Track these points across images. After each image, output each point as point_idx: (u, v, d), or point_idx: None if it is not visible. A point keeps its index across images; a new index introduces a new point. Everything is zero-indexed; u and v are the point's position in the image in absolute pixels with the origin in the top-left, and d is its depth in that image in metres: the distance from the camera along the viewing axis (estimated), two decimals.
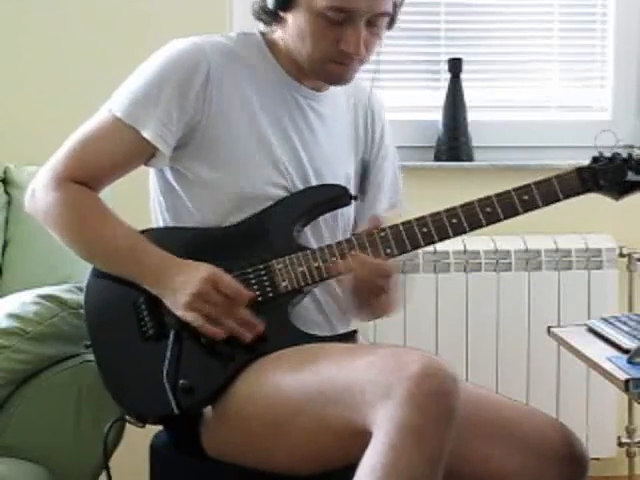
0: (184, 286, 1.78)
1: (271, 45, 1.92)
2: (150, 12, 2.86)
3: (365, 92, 2.03)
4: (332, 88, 1.96)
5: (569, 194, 1.85)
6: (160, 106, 1.83)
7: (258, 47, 1.92)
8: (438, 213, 1.84)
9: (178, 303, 1.79)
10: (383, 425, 1.54)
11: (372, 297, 1.84)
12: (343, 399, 1.62)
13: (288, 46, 1.89)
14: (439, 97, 3.01)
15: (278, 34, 1.91)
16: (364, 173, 2.00)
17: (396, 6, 1.89)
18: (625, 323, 1.94)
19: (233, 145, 1.86)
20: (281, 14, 1.87)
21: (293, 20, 1.85)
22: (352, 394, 1.61)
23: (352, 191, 1.95)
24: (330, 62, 1.85)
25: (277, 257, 1.83)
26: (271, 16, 1.89)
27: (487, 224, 1.84)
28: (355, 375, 1.62)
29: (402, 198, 2.08)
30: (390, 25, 1.91)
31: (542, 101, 3.13)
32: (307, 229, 1.90)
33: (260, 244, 1.85)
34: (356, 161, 2.00)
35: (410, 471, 1.52)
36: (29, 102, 2.85)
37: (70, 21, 2.85)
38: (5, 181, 2.42)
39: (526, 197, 1.84)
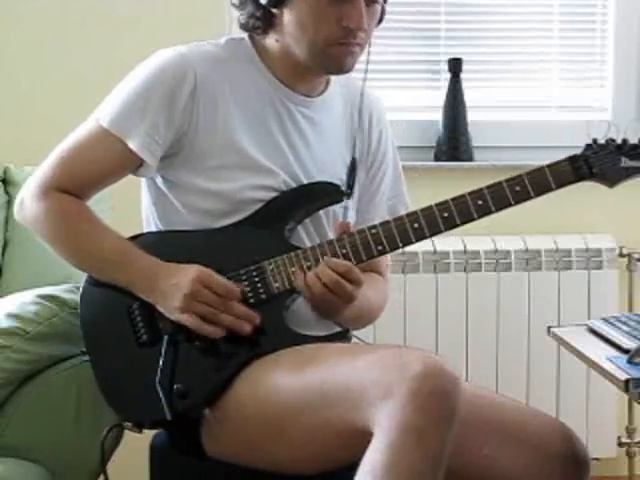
0: (175, 289, 1.78)
1: (261, 51, 1.91)
2: (151, 16, 2.86)
3: (363, 97, 2.01)
4: (327, 94, 1.95)
5: (562, 183, 1.82)
6: (147, 117, 1.83)
7: (247, 53, 1.91)
8: (429, 207, 1.83)
9: (171, 307, 1.79)
10: (384, 425, 1.54)
11: (336, 301, 1.81)
12: (344, 399, 1.62)
13: (285, 45, 1.87)
14: (439, 97, 3.01)
15: (269, 39, 1.90)
16: (353, 172, 1.97)
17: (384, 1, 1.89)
18: (625, 323, 1.94)
19: (221, 154, 1.86)
20: (275, 12, 1.85)
21: (290, 13, 1.84)
22: (353, 394, 1.61)
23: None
24: (334, 45, 1.83)
25: (269, 258, 1.83)
26: (263, 20, 1.87)
27: (479, 217, 1.82)
28: (356, 375, 1.62)
29: (405, 200, 2.06)
30: (379, 20, 1.90)
31: (542, 101, 3.13)
32: (300, 228, 1.90)
33: (252, 245, 1.85)
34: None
35: (410, 471, 1.52)
36: (29, 102, 2.85)
37: (71, 23, 2.85)
38: (5, 181, 2.42)
39: (518, 188, 1.82)
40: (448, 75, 3.00)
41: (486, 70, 3.12)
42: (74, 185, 1.87)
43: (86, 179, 1.88)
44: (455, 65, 2.99)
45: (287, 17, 1.85)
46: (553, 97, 3.13)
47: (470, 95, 3.00)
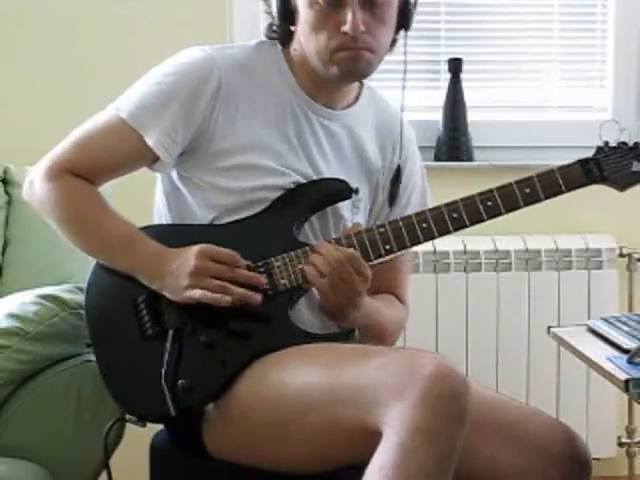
0: (181, 269, 1.77)
1: (289, 58, 1.92)
2: (152, 18, 2.86)
3: (393, 120, 2.02)
4: (352, 110, 1.95)
5: (573, 186, 1.83)
6: (167, 115, 1.83)
7: (276, 59, 1.92)
8: (438, 207, 1.83)
9: (179, 288, 1.78)
10: (394, 425, 1.54)
11: (343, 294, 1.80)
12: (354, 399, 1.62)
13: (303, 57, 1.89)
14: (439, 97, 3.01)
15: (291, 48, 1.92)
16: (397, 179, 1.98)
17: (407, 2, 1.89)
18: (625, 323, 1.94)
19: (238, 156, 1.86)
20: (291, 28, 1.88)
21: (299, 26, 1.86)
22: (363, 394, 1.60)
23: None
24: (338, 50, 1.83)
25: (276, 254, 1.83)
26: (280, 33, 1.90)
27: (488, 218, 1.82)
28: (367, 375, 1.62)
29: None
30: (403, 19, 1.90)
31: (542, 101, 3.13)
32: (307, 225, 1.90)
33: (260, 241, 1.85)
34: (370, 186, 1.98)
35: (420, 472, 1.52)
36: (29, 103, 2.85)
37: (71, 23, 2.85)
38: (5, 181, 2.42)
39: (528, 190, 1.82)
40: (448, 75, 3.00)
41: (486, 70, 3.12)
42: (86, 169, 1.86)
43: (99, 165, 1.87)
44: (455, 65, 2.99)
45: (299, 30, 1.87)
46: (553, 97, 3.13)
47: (470, 95, 3.01)
